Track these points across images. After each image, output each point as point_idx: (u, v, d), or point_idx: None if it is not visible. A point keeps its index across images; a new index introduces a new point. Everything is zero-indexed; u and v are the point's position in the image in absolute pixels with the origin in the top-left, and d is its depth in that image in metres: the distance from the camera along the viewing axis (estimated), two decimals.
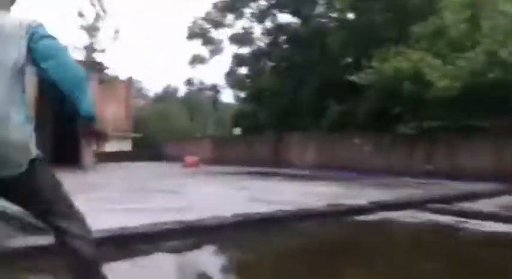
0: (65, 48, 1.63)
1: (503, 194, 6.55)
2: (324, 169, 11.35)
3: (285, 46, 16.90)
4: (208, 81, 29.84)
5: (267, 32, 18.40)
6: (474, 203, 5.77)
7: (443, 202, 5.57)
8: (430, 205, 5.33)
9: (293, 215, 4.40)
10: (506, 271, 2.87)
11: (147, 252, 3.12)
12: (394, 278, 2.73)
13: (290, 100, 14.71)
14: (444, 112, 9.11)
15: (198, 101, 39.14)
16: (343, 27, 13.74)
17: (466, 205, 5.56)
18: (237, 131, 17.86)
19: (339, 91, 12.30)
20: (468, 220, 4.60)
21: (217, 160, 15.87)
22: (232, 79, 20.29)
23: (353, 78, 10.86)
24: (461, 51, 9.16)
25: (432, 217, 4.83)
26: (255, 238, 3.73)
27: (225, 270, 2.82)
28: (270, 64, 17.72)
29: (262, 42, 18.99)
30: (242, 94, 20.16)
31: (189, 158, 13.98)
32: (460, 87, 8.57)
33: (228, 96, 51.32)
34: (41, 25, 1.58)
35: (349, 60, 14.41)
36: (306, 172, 10.91)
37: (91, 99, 1.57)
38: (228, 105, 26.15)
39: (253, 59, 18.66)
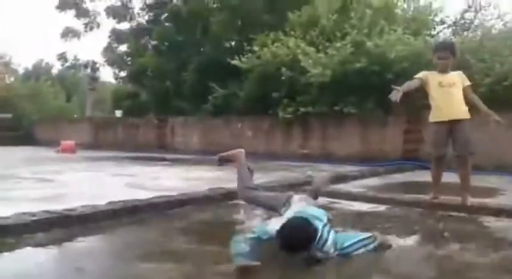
0: None
1: (367, 176, 7.23)
2: (208, 154, 11.43)
3: (167, 24, 16.42)
4: (85, 58, 28.03)
5: (148, 8, 17.74)
6: (345, 184, 6.29)
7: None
8: (304, 187, 5.66)
9: (173, 201, 4.41)
10: None
11: (11, 247, 2.93)
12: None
13: (173, 82, 14.48)
14: (317, 98, 9.71)
15: (74, 79, 36.64)
16: (225, 8, 13.80)
17: (338, 187, 6.04)
18: (118, 113, 17.08)
19: (222, 75, 12.41)
20: (339, 201, 5.02)
21: (96, 144, 15.09)
22: (111, 56, 19.33)
23: (235, 62, 11.04)
24: (333, 41, 9.82)
25: None
26: (131, 227, 3.67)
27: (96, 262, 2.72)
28: (152, 42, 17.16)
29: (142, 18, 18.31)
30: (122, 73, 19.36)
31: (65, 143, 13.08)
32: (331, 75, 9.20)
33: (107, 75, 48.74)
34: None
35: (232, 43, 14.59)
36: (191, 157, 10.90)
37: None
38: (107, 84, 24.90)
39: (134, 36, 17.92)
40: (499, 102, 8.23)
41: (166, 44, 15.76)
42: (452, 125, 4.35)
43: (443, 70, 4.52)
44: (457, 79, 4.49)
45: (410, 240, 3.37)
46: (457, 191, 4.51)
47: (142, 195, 4.48)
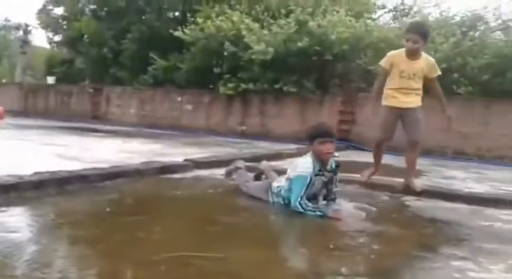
0: None
1: (304, 154, 7.38)
2: (146, 126, 11.21)
3: None
4: (17, 20, 26.22)
5: None
6: (280, 161, 6.41)
7: (254, 161, 6.04)
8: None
9: (104, 174, 4.30)
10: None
11: None
12: (197, 228, 2.93)
13: (111, 50, 13.86)
14: (259, 75, 9.73)
15: (4, 41, 34.34)
16: None
17: (273, 163, 6.14)
18: (51, 80, 16.20)
19: (164, 46, 12.06)
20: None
21: (26, 111, 14.30)
22: (46, 19, 18.18)
23: (178, 33, 10.76)
24: (277, 18, 9.82)
25: None
26: (57, 198, 3.56)
27: (20, 234, 2.62)
28: (91, 7, 16.28)
29: None
30: (57, 38, 18.28)
31: None
32: (273, 52, 9.23)
33: (40, 39, 45.89)
34: None
35: (176, 13, 14.17)
36: (127, 129, 10.63)
37: None
38: (40, 48, 23.48)
39: None
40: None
41: (106, 9, 15.01)
42: (404, 111, 4.32)
43: (411, 55, 4.19)
44: (421, 70, 4.21)
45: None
46: (392, 172, 4.74)
47: (73, 166, 4.35)
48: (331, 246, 2.68)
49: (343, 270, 2.32)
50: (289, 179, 3.51)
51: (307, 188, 3.36)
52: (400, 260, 2.60)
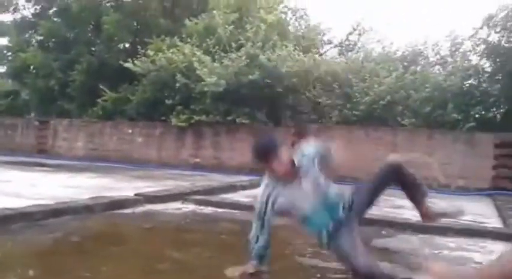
0: None
1: (258, 186, 7.40)
2: (95, 160, 10.88)
3: (56, 19, 15.32)
4: None
5: (34, 0, 16.45)
6: (233, 194, 6.39)
7: (206, 194, 6.00)
8: (194, 197, 5.65)
9: (49, 211, 4.11)
10: None
11: None
12: (145, 266, 2.83)
13: (59, 81, 13.49)
14: (211, 107, 9.76)
15: None
16: (119, 8, 13.30)
17: (226, 196, 6.12)
18: None
19: (114, 77, 11.91)
20: (227, 210, 5.09)
21: None
22: None
23: (128, 65, 10.68)
24: (228, 51, 9.98)
25: (195, 208, 5.16)
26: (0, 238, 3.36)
27: None
28: (38, 38, 15.89)
29: (27, 10, 16.91)
30: (1, 69, 17.66)
31: None
32: (225, 85, 9.32)
33: None
34: None
35: (126, 45, 14.08)
36: (75, 163, 10.28)
37: None
38: None
39: (17, 29, 16.46)
40: (376, 118, 9.05)
41: (53, 40, 14.69)
42: None
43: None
44: None
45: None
46: None
47: (16, 204, 4.13)
48: None
49: None
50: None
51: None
52: None
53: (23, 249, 3.18)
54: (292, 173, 2.73)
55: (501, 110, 9.07)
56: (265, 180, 2.85)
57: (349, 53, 13.13)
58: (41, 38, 15.19)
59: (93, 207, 4.53)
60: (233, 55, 9.67)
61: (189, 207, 5.22)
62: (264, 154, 2.71)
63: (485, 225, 4.84)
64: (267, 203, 2.76)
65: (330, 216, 2.66)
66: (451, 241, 3.98)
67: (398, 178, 2.74)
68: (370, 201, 2.79)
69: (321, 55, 11.89)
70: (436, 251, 3.61)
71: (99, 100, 11.69)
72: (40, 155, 11.92)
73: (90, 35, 14.17)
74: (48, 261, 2.93)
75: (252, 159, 2.88)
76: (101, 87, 11.56)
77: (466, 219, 5.02)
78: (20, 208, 3.98)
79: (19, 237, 3.49)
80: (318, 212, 2.67)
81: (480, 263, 3.34)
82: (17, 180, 6.61)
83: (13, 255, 3.02)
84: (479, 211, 5.94)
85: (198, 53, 9.95)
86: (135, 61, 10.64)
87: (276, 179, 2.78)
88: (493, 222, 5.12)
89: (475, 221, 5.02)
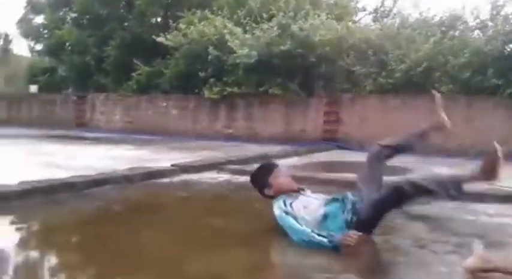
0: None
1: (290, 156, 7.45)
2: (131, 132, 11.15)
3: None
4: None
5: None
6: None
7: (241, 163, 6.06)
8: (229, 166, 5.74)
9: (91, 181, 4.27)
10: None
11: None
12: (185, 233, 2.93)
13: (94, 57, 13.77)
14: (243, 78, 9.75)
15: None
16: None
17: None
18: (34, 88, 16.02)
19: (147, 52, 12.03)
20: None
21: (10, 121, 14.09)
22: (27, 28, 18.02)
23: (160, 39, 10.75)
24: (259, 22, 9.87)
25: (230, 178, 5.23)
26: (45, 207, 3.53)
27: (13, 245, 2.60)
28: (72, 15, 16.16)
29: None
30: (38, 47, 18.11)
31: None
32: (257, 56, 9.26)
33: (22, 48, 45.36)
34: None
35: (158, 19, 14.15)
36: (113, 135, 10.55)
37: None
38: (22, 57, 23.22)
39: (52, 7, 16.77)
40: (412, 86, 8.82)
41: (87, 16, 14.91)
42: None
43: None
44: None
45: None
46: None
47: (59, 174, 4.31)
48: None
49: (348, 269, 2.34)
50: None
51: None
52: (394, 256, 2.63)
53: (69, 217, 3.33)
54: (296, 186, 3.03)
55: None
56: (276, 205, 2.90)
57: (384, 20, 12.74)
58: (75, 15, 15.44)
59: (132, 177, 4.67)
60: (264, 26, 9.56)
61: (224, 176, 5.29)
62: (262, 178, 3.07)
63: None
64: (287, 212, 2.80)
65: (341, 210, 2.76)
66: (489, 207, 3.90)
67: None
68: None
69: (354, 23, 11.60)
70: (473, 217, 3.55)
71: (133, 74, 11.87)
72: (79, 128, 12.32)
73: (122, 11, 14.28)
74: (92, 229, 3.06)
75: (257, 190, 3.14)
76: (135, 61, 11.71)
77: (505, 186, 4.91)
78: (64, 178, 4.15)
79: (65, 206, 3.65)
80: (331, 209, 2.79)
81: None
82: (59, 153, 6.87)
83: (60, 223, 3.17)
84: None
85: (229, 25, 9.90)
86: (167, 36, 10.70)
87: (284, 196, 2.93)
88: None
89: None
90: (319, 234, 2.56)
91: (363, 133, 8.79)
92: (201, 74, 10.22)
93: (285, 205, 2.84)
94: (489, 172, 2.65)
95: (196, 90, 10.56)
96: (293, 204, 2.85)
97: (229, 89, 9.86)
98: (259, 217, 3.47)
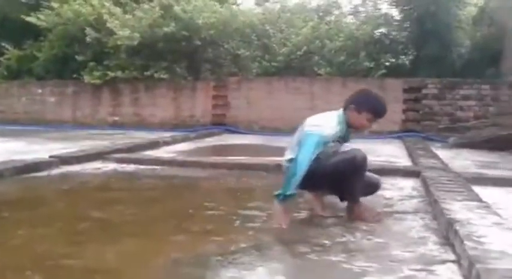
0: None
1: (180, 141, 7.37)
2: (3, 123, 10.14)
3: None
4: None
5: None
6: (156, 150, 6.29)
7: (128, 152, 5.85)
8: (114, 155, 5.49)
9: None
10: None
11: None
12: (64, 227, 2.76)
13: None
14: (127, 62, 9.36)
15: None
16: None
17: (149, 153, 6.02)
18: None
19: (16, 33, 10.95)
20: (149, 166, 5.01)
21: None
22: None
23: (31, 18, 9.84)
24: (140, 2, 9.50)
25: (116, 167, 5.02)
26: None
27: None
28: None
29: None
30: None
31: None
32: (140, 38, 8.94)
33: None
34: None
35: None
36: None
37: None
38: None
39: None
40: (294, 69, 9.22)
41: None
42: None
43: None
44: None
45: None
46: None
47: None
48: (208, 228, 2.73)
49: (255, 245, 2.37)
50: (303, 133, 2.89)
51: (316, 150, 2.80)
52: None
53: None
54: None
55: (410, 57, 9.61)
56: (331, 125, 2.94)
57: (266, 3, 13.04)
58: None
59: (3, 171, 4.25)
60: (146, 7, 9.23)
61: (110, 166, 5.06)
62: (362, 104, 3.00)
63: (396, 164, 5.22)
64: (326, 142, 2.88)
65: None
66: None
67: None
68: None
69: (238, 5, 11.70)
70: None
71: (1, 58, 10.75)
72: None
73: None
74: None
75: (357, 101, 3.04)
76: (3, 44, 10.61)
77: (379, 160, 5.40)
78: None
79: None
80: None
81: (390, 198, 3.62)
82: None
83: None
84: (391, 152, 6.39)
85: (108, 4, 9.38)
86: (39, 15, 9.84)
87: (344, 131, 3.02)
88: (403, 161, 5.52)
89: (387, 161, 5.40)
90: (298, 187, 2.70)
91: (250, 116, 9.01)
92: (80, 57, 9.58)
93: (333, 139, 2.92)
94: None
95: (75, 75, 9.88)
96: (333, 145, 2.94)
97: (112, 74, 9.39)
98: (148, 206, 3.40)
